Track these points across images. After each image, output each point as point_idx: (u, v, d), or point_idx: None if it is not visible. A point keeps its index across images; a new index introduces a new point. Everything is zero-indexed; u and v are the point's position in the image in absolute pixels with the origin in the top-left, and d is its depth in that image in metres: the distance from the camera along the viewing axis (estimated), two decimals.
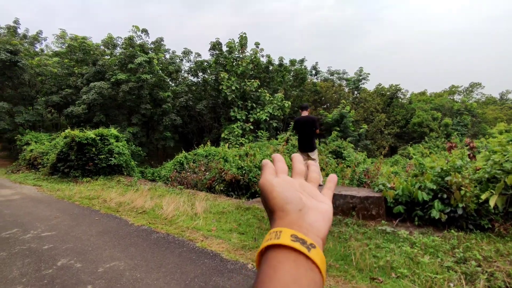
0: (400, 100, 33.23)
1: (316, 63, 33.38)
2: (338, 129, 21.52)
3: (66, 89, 21.22)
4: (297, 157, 0.50)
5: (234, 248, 4.01)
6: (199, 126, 25.95)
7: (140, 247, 4.11)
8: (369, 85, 43.66)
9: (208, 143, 15.06)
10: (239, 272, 3.34)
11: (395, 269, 3.19)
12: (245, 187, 7.87)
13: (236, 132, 19.59)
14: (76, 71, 22.10)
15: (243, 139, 19.21)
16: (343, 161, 12.19)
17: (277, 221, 0.38)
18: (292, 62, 26.46)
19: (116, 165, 12.02)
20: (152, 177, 14.93)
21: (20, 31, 24.49)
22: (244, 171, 8.08)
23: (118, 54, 22.46)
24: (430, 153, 7.85)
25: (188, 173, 10.39)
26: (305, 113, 6.13)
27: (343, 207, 5.09)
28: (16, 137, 17.49)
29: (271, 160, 0.47)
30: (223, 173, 8.36)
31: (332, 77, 33.47)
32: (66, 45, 23.10)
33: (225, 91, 20.49)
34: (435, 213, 4.26)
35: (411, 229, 4.42)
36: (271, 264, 0.33)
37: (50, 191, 8.72)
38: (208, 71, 25.12)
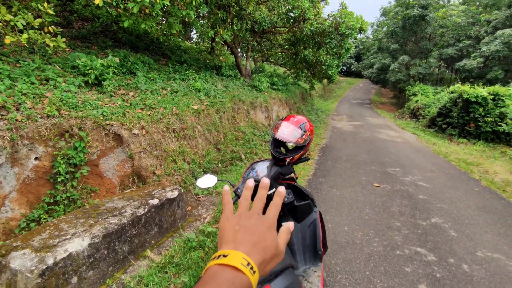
0: None
1: None
2: None
3: (464, 41, 19.63)
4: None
5: None
6: None
7: None
8: None
9: None
10: None
11: None
12: None
13: None
14: (481, 19, 19.44)
15: None
16: None
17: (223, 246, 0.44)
18: None
19: (505, 132, 9.76)
20: None
21: None
22: None
23: None
24: None
25: None
26: None
27: None
28: (406, 88, 19.66)
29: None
30: None
31: None
32: None
33: None
34: None
35: None
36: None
37: (426, 142, 8.99)
38: None
